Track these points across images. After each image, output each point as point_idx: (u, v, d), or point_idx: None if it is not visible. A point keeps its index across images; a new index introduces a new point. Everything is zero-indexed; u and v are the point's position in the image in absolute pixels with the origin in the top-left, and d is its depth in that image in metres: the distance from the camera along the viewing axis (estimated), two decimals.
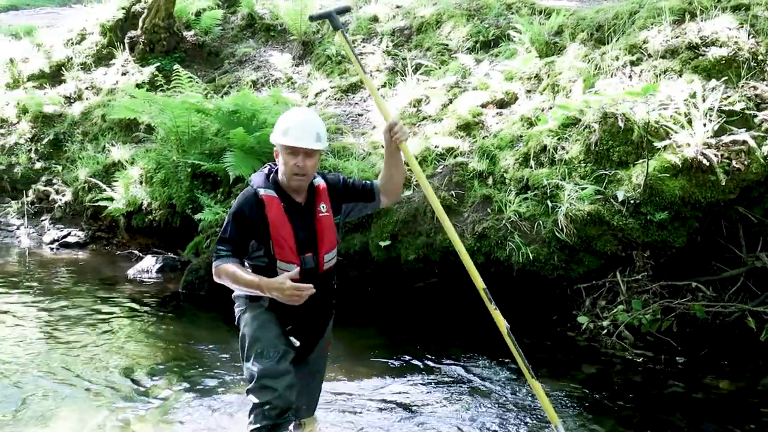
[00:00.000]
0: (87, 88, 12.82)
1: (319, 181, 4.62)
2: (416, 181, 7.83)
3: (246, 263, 4.54)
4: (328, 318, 4.81)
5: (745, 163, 6.54)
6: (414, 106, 9.19)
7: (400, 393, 5.87)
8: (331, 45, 11.22)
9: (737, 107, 6.70)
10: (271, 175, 4.55)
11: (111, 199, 10.23)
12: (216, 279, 4.48)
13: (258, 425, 4.46)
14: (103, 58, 13.21)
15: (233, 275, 4.34)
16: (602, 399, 5.79)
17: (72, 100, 12.80)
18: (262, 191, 4.47)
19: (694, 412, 5.49)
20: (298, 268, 4.36)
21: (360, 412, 5.53)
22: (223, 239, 4.45)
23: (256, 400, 4.46)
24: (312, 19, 4.90)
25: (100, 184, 10.59)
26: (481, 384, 6.00)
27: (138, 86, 11.28)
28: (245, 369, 4.59)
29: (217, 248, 4.46)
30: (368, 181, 4.81)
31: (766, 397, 5.73)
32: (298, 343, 4.58)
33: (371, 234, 7.73)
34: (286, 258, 4.43)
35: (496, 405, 5.63)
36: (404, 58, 10.28)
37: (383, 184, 4.74)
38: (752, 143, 6.51)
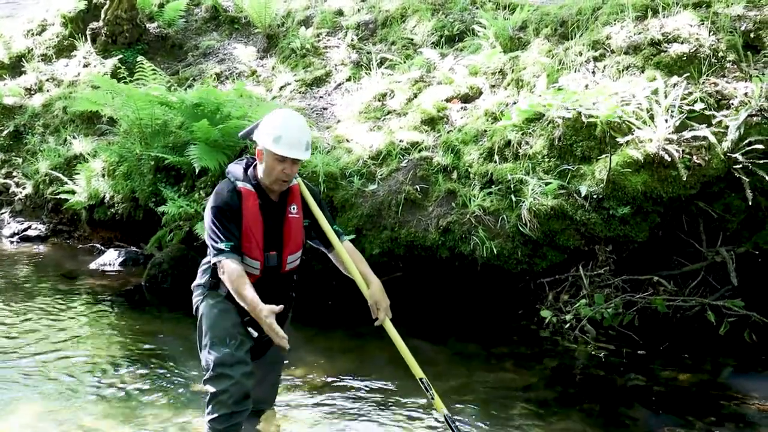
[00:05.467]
0: (48, 80, 12.63)
1: (294, 182, 4.63)
2: (381, 174, 7.83)
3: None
4: (287, 311, 4.81)
5: (706, 158, 6.63)
6: (379, 100, 9.17)
7: (363, 386, 5.87)
8: (295, 38, 11.16)
9: (698, 106, 6.78)
10: (249, 170, 4.56)
11: (72, 192, 10.11)
12: (221, 275, 4.45)
13: (216, 414, 4.46)
14: (64, 50, 13.02)
15: (236, 282, 4.34)
16: (564, 392, 5.84)
17: (33, 92, 12.61)
18: (240, 184, 4.49)
19: (654, 404, 5.54)
20: (260, 264, 4.42)
21: (324, 407, 5.53)
22: (219, 235, 4.40)
23: (213, 389, 4.47)
24: None
25: (62, 177, 10.45)
26: (443, 376, 6.02)
27: None
28: (202, 358, 4.60)
29: (214, 246, 4.41)
30: (339, 230, 4.82)
31: (725, 390, 5.81)
32: (255, 334, 4.58)
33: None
34: (251, 253, 4.45)
35: (459, 394, 5.65)
36: (369, 52, 10.26)
37: (338, 263, 4.81)
38: (712, 139, 6.59)
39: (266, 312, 4.20)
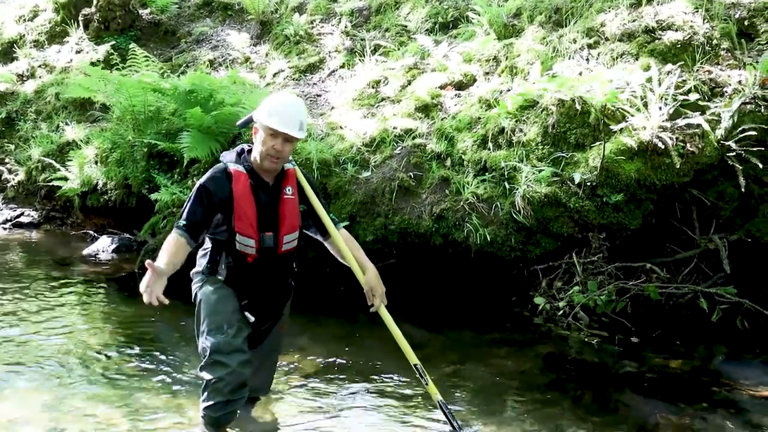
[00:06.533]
0: (40, 66, 12.61)
1: (290, 166, 4.65)
2: (375, 162, 7.83)
3: (208, 237, 4.59)
4: (285, 299, 4.82)
5: (699, 146, 6.64)
6: (372, 87, 9.16)
7: (358, 372, 5.88)
8: (289, 25, 11.13)
9: (691, 95, 6.79)
10: (243, 155, 4.59)
11: (65, 179, 10.09)
12: None
13: (211, 402, 4.45)
14: (56, 36, 12.99)
15: (163, 245, 4.37)
16: (557, 378, 5.86)
17: (24, 78, 12.59)
18: (231, 166, 4.51)
19: (647, 391, 5.57)
20: (255, 242, 4.41)
21: (319, 394, 5.54)
22: (184, 213, 4.45)
23: (209, 377, 4.46)
24: None
25: (54, 163, 10.43)
26: (437, 362, 6.03)
27: (93, 65, 11.08)
28: (199, 344, 4.59)
29: (177, 220, 4.47)
30: (334, 218, 4.84)
31: (717, 377, 5.84)
32: (252, 319, 4.59)
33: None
34: (245, 232, 4.45)
35: (452, 380, 5.67)
36: (363, 39, 10.24)
37: (334, 250, 4.84)
38: (706, 127, 6.60)
39: (156, 264, 4.18)
